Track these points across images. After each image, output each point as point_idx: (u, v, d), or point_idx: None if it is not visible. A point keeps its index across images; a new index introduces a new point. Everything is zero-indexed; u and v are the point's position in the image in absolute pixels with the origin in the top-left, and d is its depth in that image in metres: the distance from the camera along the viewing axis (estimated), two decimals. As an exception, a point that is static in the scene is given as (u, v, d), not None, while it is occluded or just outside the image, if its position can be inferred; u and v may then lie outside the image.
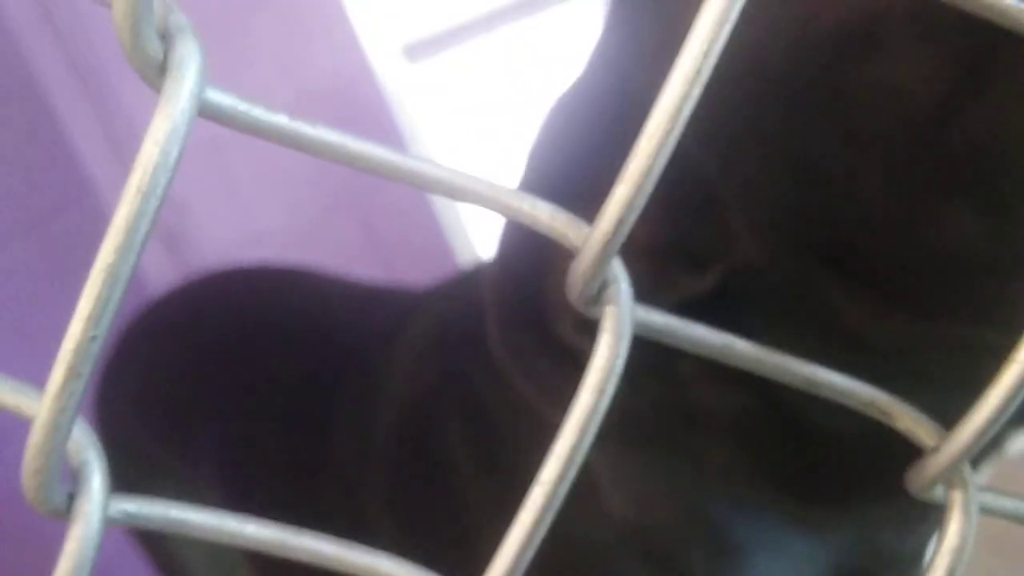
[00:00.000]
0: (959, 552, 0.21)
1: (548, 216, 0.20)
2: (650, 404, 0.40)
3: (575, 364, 0.40)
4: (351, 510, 0.59)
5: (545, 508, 0.19)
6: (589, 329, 0.39)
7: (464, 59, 1.59)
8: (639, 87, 0.36)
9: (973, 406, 0.21)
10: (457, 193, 0.20)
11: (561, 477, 0.19)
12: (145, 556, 0.94)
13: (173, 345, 0.85)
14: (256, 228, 1.64)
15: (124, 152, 1.65)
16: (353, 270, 0.89)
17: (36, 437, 0.18)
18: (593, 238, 0.19)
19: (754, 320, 0.35)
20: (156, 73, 0.18)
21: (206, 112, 0.19)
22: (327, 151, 0.20)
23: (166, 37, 0.18)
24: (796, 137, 0.31)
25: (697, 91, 0.18)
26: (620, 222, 0.19)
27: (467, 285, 0.61)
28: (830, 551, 0.45)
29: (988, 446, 0.25)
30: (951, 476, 0.21)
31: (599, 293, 0.20)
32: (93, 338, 0.18)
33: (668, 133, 0.18)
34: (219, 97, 0.19)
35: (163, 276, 1.43)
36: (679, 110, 0.18)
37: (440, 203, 1.59)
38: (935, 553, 0.21)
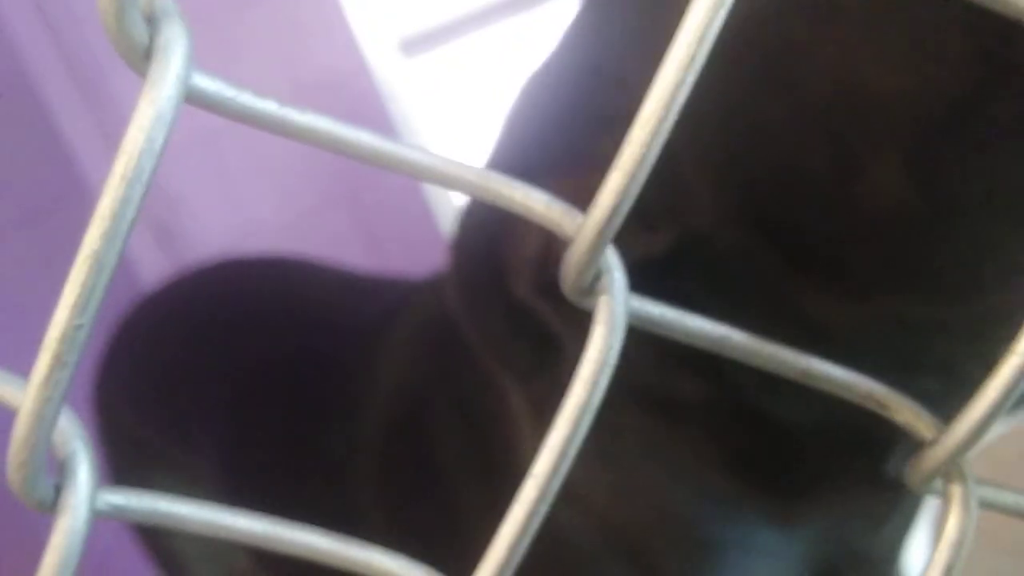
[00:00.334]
0: (958, 546, 0.21)
1: (543, 206, 0.20)
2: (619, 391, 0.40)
3: (529, 325, 0.40)
4: (343, 501, 0.59)
5: (538, 501, 0.19)
6: (546, 291, 0.40)
7: (460, 54, 1.59)
8: (614, 61, 0.36)
9: (971, 399, 0.20)
10: (449, 182, 0.20)
11: (554, 470, 0.19)
12: (142, 547, 0.94)
13: (168, 335, 0.85)
14: (249, 221, 1.64)
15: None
16: (346, 262, 0.88)
17: (21, 428, 0.17)
18: (586, 227, 0.19)
19: (700, 290, 0.36)
20: (141, 58, 0.18)
21: (193, 98, 0.18)
22: (317, 138, 0.19)
23: (152, 21, 0.17)
24: (755, 104, 0.32)
25: (691, 78, 0.18)
26: (614, 211, 0.18)
27: None
28: (802, 547, 0.45)
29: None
30: (950, 470, 0.21)
31: (592, 284, 0.20)
32: (79, 326, 0.17)
33: (662, 121, 0.18)
34: (206, 83, 0.18)
35: (156, 269, 1.43)
36: (673, 98, 0.18)
37: (433, 195, 1.59)
38: (934, 547, 0.21)
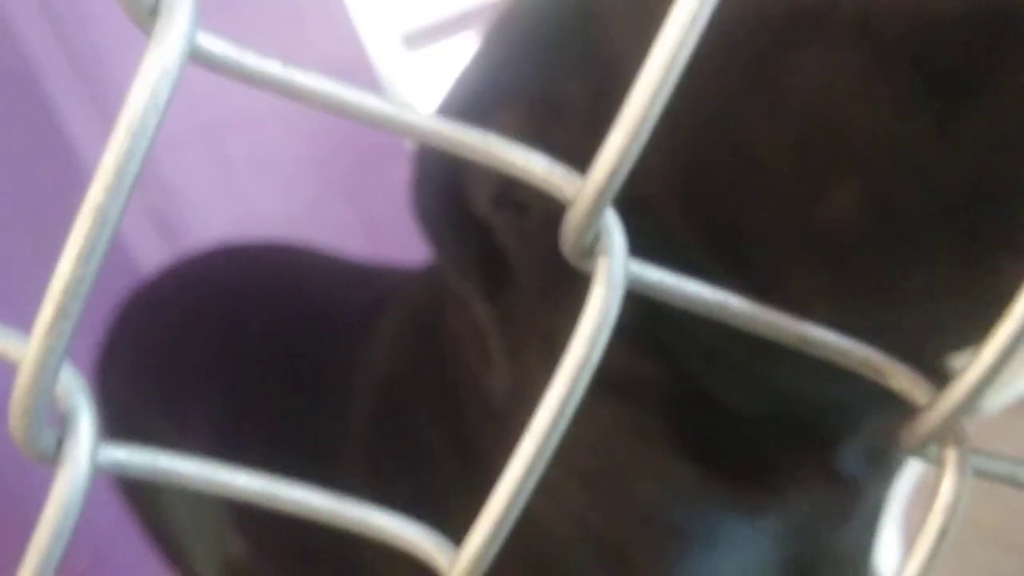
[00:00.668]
0: (952, 510, 0.21)
1: (543, 169, 0.20)
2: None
3: (487, 242, 0.40)
4: (333, 484, 0.59)
5: (536, 458, 0.19)
6: (504, 203, 0.40)
7: (463, 48, 1.59)
8: (595, 3, 0.36)
9: (968, 363, 0.21)
10: (450, 144, 0.20)
11: (552, 427, 0.19)
12: (141, 529, 0.95)
13: (167, 320, 0.86)
14: (249, 212, 1.64)
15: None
16: (347, 253, 0.89)
17: (24, 378, 0.18)
18: (587, 188, 0.19)
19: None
20: (147, 15, 0.18)
21: (198, 57, 0.18)
22: (319, 100, 0.20)
23: (158, -24, 0.17)
24: (732, 114, 0.33)
25: (693, 39, 0.18)
26: (614, 172, 0.19)
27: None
28: (770, 542, 0.46)
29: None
30: (944, 434, 0.21)
31: (592, 246, 0.20)
32: (82, 279, 0.17)
33: (663, 82, 0.18)
34: (211, 42, 0.19)
35: (156, 260, 1.43)
36: (675, 57, 0.18)
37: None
38: (928, 512, 0.21)
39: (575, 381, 0.19)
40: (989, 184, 0.29)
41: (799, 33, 0.30)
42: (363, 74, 1.56)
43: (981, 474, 0.23)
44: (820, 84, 0.30)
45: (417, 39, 1.56)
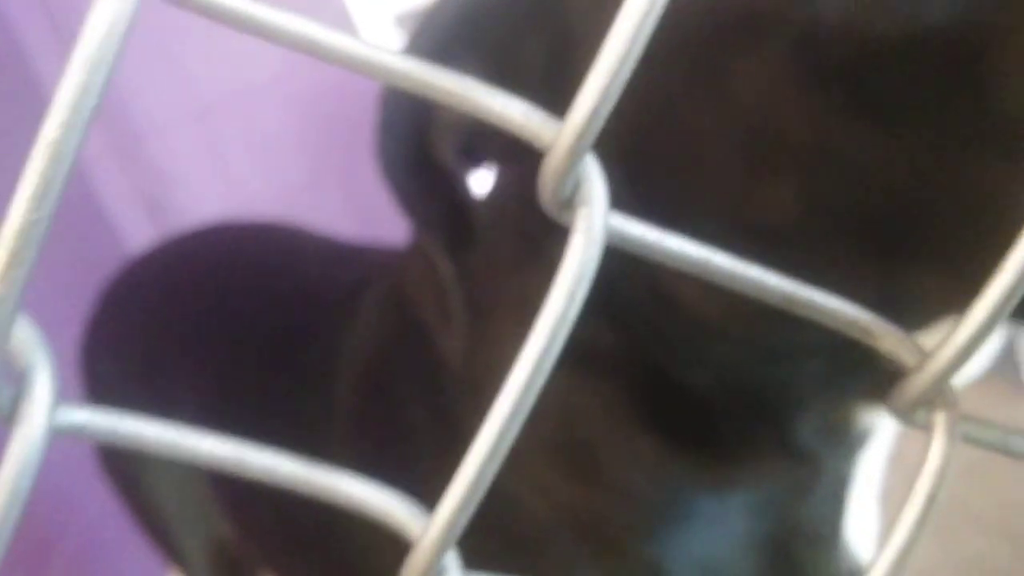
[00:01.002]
0: (940, 475, 0.20)
1: (521, 116, 0.19)
2: None
3: (446, 189, 0.40)
4: (318, 458, 0.59)
5: (512, 416, 0.19)
6: (468, 152, 0.40)
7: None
8: None
9: (957, 323, 0.20)
10: (425, 88, 0.19)
11: (529, 384, 0.18)
12: (128, 512, 0.95)
13: (154, 298, 0.86)
14: (240, 196, 1.63)
15: (114, 125, 1.63)
16: (337, 236, 0.88)
17: (-27, 327, 0.17)
18: (564, 132, 0.18)
19: None
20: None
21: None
22: (289, 39, 0.19)
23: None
24: (678, 102, 0.34)
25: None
26: (593, 114, 0.18)
27: None
28: (739, 515, 0.46)
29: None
30: (934, 396, 0.21)
31: (572, 196, 0.19)
32: (36, 221, 0.17)
33: (646, 15, 0.17)
34: (174, -24, 0.18)
35: (147, 244, 1.42)
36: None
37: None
38: (918, 476, 0.21)
39: (553, 335, 0.18)
40: (904, 199, 0.31)
41: (748, 39, 0.32)
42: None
43: (972, 440, 0.22)
44: (763, 88, 0.32)
45: (409, 21, 1.55)
